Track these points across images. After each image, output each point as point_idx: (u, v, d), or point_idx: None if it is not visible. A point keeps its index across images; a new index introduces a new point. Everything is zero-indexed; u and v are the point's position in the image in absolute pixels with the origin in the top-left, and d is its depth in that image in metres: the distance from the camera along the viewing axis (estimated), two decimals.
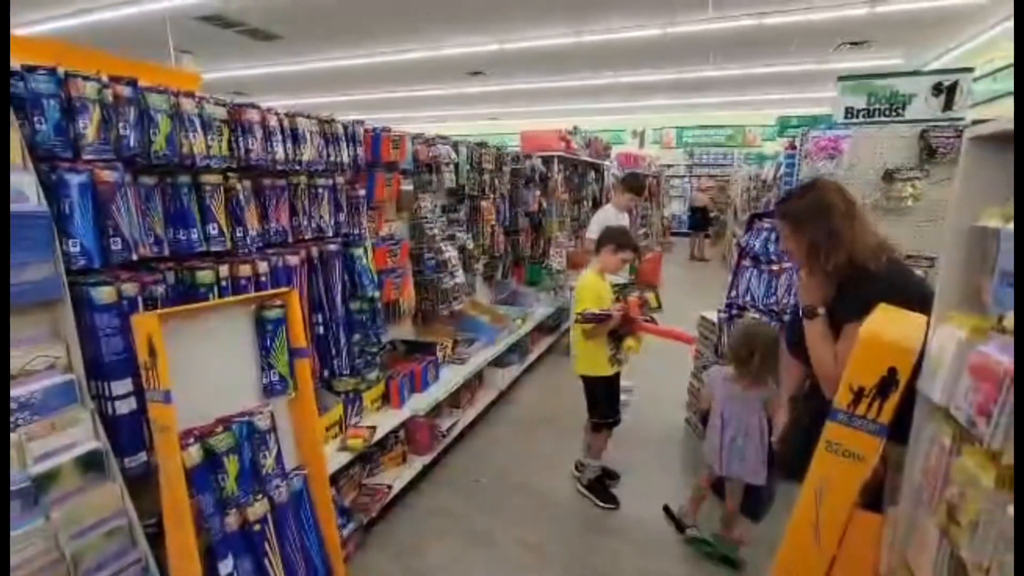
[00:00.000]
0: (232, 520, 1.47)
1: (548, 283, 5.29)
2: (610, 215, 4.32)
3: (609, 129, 14.62)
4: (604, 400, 2.84)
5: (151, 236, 1.74)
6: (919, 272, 2.82)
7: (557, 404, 4.03)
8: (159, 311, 1.37)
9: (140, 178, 1.72)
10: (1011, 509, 0.89)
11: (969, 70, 2.80)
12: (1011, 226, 0.94)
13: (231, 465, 1.47)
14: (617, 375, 2.84)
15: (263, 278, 2.04)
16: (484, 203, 4.12)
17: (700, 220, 11.87)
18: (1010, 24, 6.70)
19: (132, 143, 1.65)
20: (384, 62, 9.12)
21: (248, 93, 11.03)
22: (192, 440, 1.40)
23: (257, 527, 1.54)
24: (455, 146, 3.65)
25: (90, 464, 1.47)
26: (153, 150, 1.70)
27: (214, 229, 1.90)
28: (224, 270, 1.90)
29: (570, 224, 6.09)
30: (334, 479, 2.40)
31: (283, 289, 1.73)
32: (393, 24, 7.49)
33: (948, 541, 1.07)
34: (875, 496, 1.43)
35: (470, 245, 3.88)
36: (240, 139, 1.98)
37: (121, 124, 1.63)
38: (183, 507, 1.33)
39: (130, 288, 1.61)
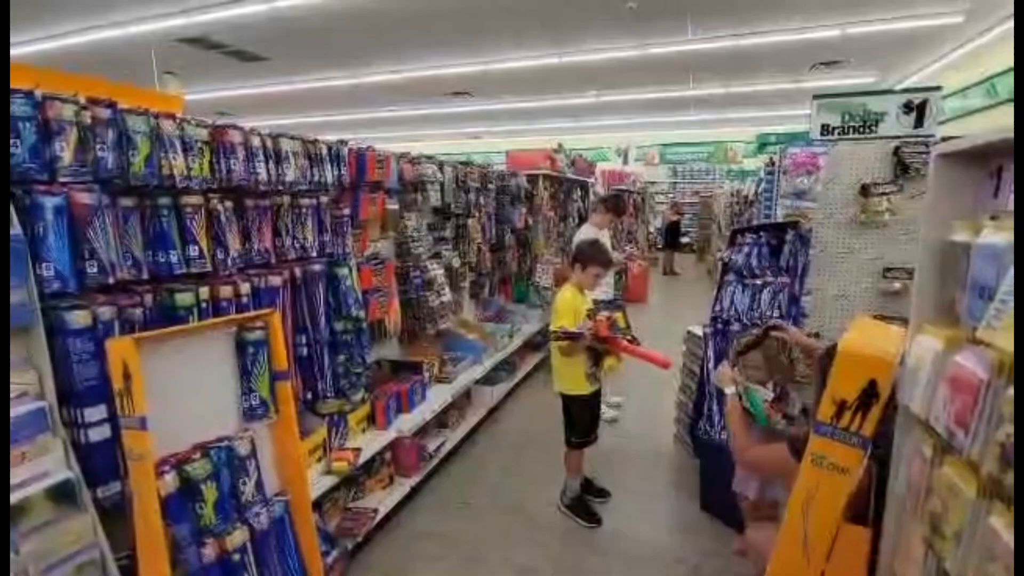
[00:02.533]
0: (210, 551, 1.43)
1: (535, 300, 5.30)
2: (589, 235, 4.29)
3: (593, 147, 14.86)
4: (580, 419, 2.82)
5: (129, 259, 1.72)
6: (898, 285, 2.89)
7: (546, 421, 3.99)
8: (134, 335, 1.34)
9: (119, 200, 1.70)
10: (993, 520, 0.90)
11: (937, 88, 2.89)
12: (981, 240, 0.97)
13: (209, 493, 1.42)
14: (596, 394, 2.83)
15: (245, 299, 2.01)
16: (470, 221, 4.13)
17: (671, 237, 12.33)
18: (982, 41, 6.98)
19: (110, 165, 1.63)
20: (370, 82, 9.21)
21: (234, 113, 11.03)
22: (168, 468, 1.35)
23: (236, 557, 1.49)
24: (440, 165, 3.67)
25: (62, 495, 1.42)
26: (132, 172, 1.68)
27: (195, 250, 1.87)
28: (205, 292, 1.87)
29: (556, 241, 6.13)
30: (318, 504, 2.34)
31: (264, 311, 1.70)
32: (377, 46, 7.59)
33: (934, 553, 1.07)
34: (860, 508, 1.44)
35: (456, 263, 3.88)
36: (222, 160, 1.97)
37: (99, 146, 1.62)
38: (158, 538, 1.28)
39: (106, 312, 1.58)
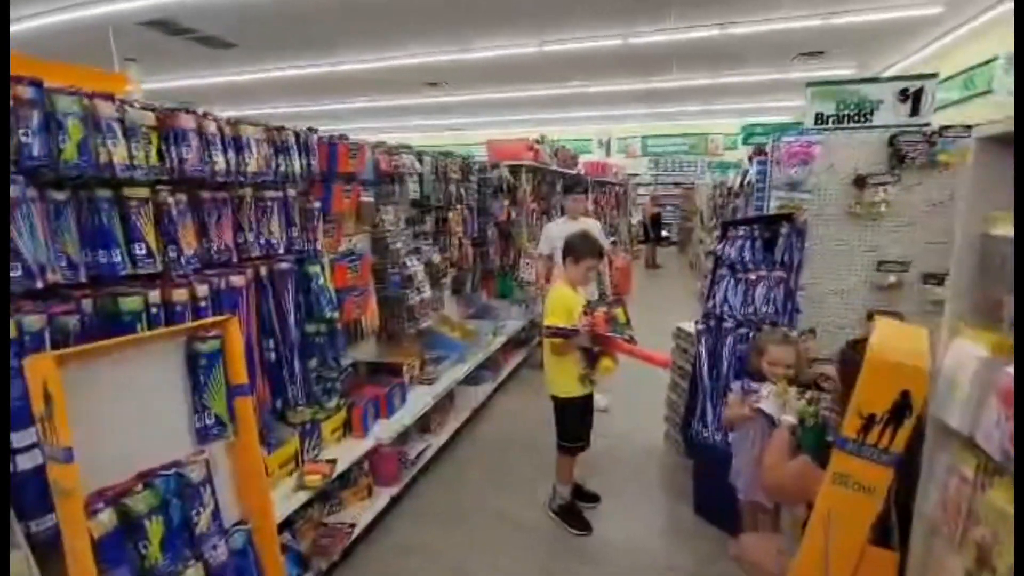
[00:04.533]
0: None
1: (519, 295, 5.15)
2: (559, 227, 3.98)
3: (575, 139, 14.72)
4: (573, 422, 2.68)
5: (63, 259, 1.51)
6: (893, 278, 2.82)
7: (533, 421, 3.87)
8: (56, 352, 1.14)
9: (48, 192, 1.49)
10: None
11: (933, 76, 2.81)
12: None
13: (154, 529, 1.24)
14: (589, 397, 2.69)
15: (203, 303, 1.81)
16: (451, 214, 3.95)
17: (653, 230, 12.46)
18: (961, 32, 7.01)
19: (36, 152, 1.42)
20: (343, 71, 8.88)
21: (201, 103, 10.57)
22: (102, 504, 1.16)
23: None
24: (419, 156, 3.48)
25: None
26: (63, 160, 1.47)
27: (141, 249, 1.67)
28: (155, 295, 1.67)
29: (540, 234, 5.97)
30: (289, 522, 2.17)
31: (218, 318, 1.51)
32: (350, 33, 7.28)
33: None
34: (876, 527, 1.32)
35: (437, 259, 3.70)
36: (172, 148, 1.76)
37: (22, 130, 1.40)
38: None
39: (34, 321, 1.37)
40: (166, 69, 8.71)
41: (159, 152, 1.73)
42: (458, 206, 4.05)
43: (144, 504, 1.22)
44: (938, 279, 2.67)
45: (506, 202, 4.97)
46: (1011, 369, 0.89)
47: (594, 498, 2.90)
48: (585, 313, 2.51)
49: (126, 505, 1.20)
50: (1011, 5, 6.05)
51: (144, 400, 1.34)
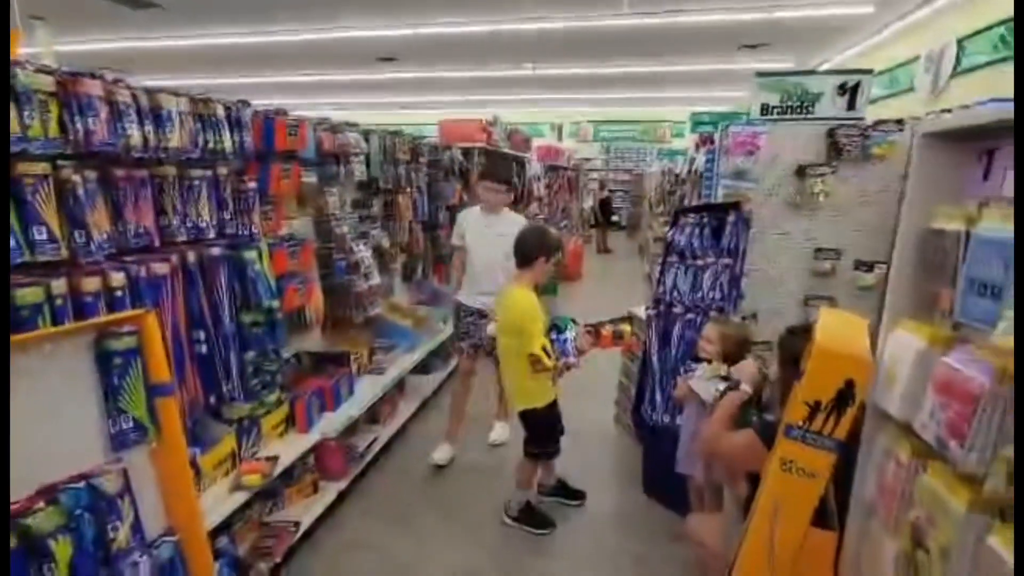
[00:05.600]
0: None
1: None
2: (475, 219, 3.20)
3: (527, 122, 14.60)
4: (546, 429, 2.57)
5: None
6: (828, 265, 2.95)
7: (485, 411, 3.83)
8: None
9: None
10: (992, 540, 0.81)
11: (869, 71, 2.93)
12: (983, 230, 0.87)
13: (60, 549, 1.10)
14: (555, 401, 2.57)
15: (119, 293, 1.64)
16: (400, 197, 3.80)
17: (602, 215, 12.78)
18: (888, 32, 7.41)
19: None
20: (283, 41, 8.34)
21: (123, 70, 9.65)
22: None
23: None
24: (365, 134, 3.30)
25: None
26: None
27: (40, 232, 1.47)
28: (59, 285, 1.49)
29: None
30: (226, 525, 2.03)
31: (132, 312, 1.36)
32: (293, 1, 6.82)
33: (914, 567, 1.00)
34: (819, 509, 1.38)
35: (386, 243, 3.56)
36: (76, 118, 1.55)
37: None
38: None
39: None
40: (81, 30, 7.87)
41: (60, 123, 1.53)
42: (408, 188, 3.90)
43: (48, 522, 1.08)
44: (868, 266, 2.82)
45: (458, 185, 4.85)
46: (951, 360, 0.92)
47: (579, 495, 2.81)
48: (588, 332, 2.46)
49: (24, 525, 1.06)
50: (933, 8, 6.45)
51: (46, 406, 1.19)
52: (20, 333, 1.20)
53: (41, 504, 1.09)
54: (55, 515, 1.10)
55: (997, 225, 0.85)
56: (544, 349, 2.32)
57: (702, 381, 2.21)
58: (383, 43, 8.51)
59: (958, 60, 6.13)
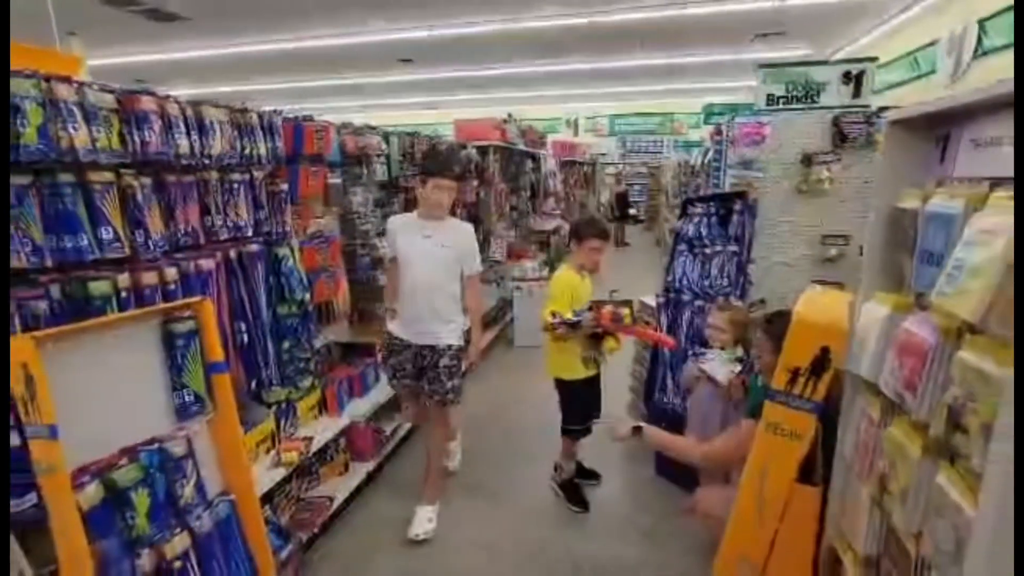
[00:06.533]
0: (146, 561, 1.31)
1: (489, 275, 5.23)
2: (405, 226, 2.55)
3: (543, 118, 14.71)
4: (574, 405, 2.65)
5: (28, 244, 1.50)
6: (835, 251, 3.02)
7: (505, 399, 4.00)
8: (34, 333, 1.17)
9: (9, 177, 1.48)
10: (940, 478, 0.93)
11: (873, 59, 2.98)
12: (930, 207, 0.98)
13: (141, 500, 1.30)
14: (595, 378, 2.64)
15: (172, 286, 1.83)
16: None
17: (620, 209, 12.65)
18: (907, 15, 7.29)
19: None
20: (305, 48, 8.61)
21: (151, 81, 10.07)
22: (88, 478, 1.21)
23: (178, 564, 1.38)
24: (386, 136, 3.48)
25: None
26: (22, 144, 1.46)
27: (108, 233, 1.67)
28: (124, 279, 1.69)
29: (509, 215, 6.05)
30: (268, 497, 2.24)
31: (192, 299, 1.55)
32: (312, 8, 7.06)
33: (880, 510, 1.12)
34: (807, 468, 1.49)
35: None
36: (134, 131, 1.75)
37: None
38: (82, 556, 1.15)
39: None
40: (111, 44, 8.26)
41: (120, 135, 1.73)
42: None
43: (130, 477, 1.28)
44: None
45: (475, 183, 5.01)
46: (907, 324, 1.04)
47: (593, 475, 2.92)
48: (590, 309, 2.44)
49: (112, 479, 1.26)
50: None
51: (122, 380, 1.38)
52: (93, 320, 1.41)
53: (124, 461, 1.29)
54: (135, 471, 1.30)
55: (942, 202, 0.96)
56: (554, 315, 2.41)
57: (719, 365, 2.30)
58: (402, 45, 8.71)
59: (979, 42, 6.03)
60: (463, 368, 2.60)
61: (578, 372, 2.58)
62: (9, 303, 1.31)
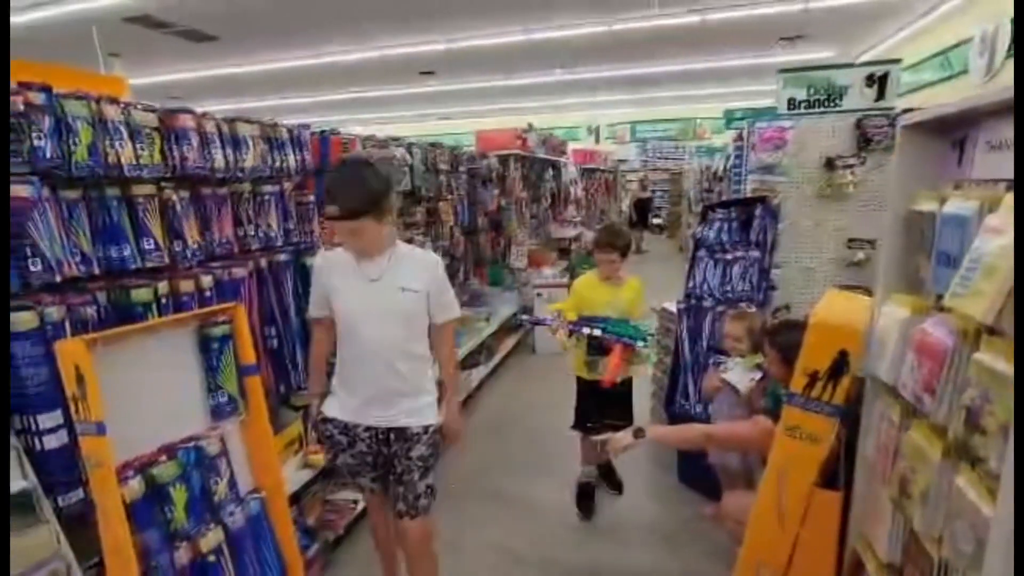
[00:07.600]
0: (183, 554, 1.38)
1: (511, 283, 5.28)
2: (344, 269, 1.85)
3: (564, 126, 14.77)
4: (576, 402, 2.81)
5: (77, 254, 1.61)
6: (861, 255, 2.97)
7: (526, 404, 4.03)
8: (85, 336, 1.26)
9: (61, 192, 1.59)
10: (959, 480, 0.93)
11: (897, 61, 2.94)
12: (946, 209, 0.99)
13: (178, 495, 1.37)
14: (593, 384, 2.65)
15: (208, 293, 1.93)
16: (441, 204, 4.05)
17: (638, 216, 12.65)
18: (933, 17, 7.14)
19: (48, 154, 1.52)
20: (329, 63, 8.87)
21: (184, 97, 10.50)
22: (132, 472, 1.29)
23: (212, 558, 1.45)
24: (408, 148, 3.57)
25: (19, 506, 1.35)
26: (74, 161, 1.57)
27: (149, 243, 1.78)
28: (163, 287, 1.79)
29: (530, 222, 6.09)
30: (296, 498, 2.30)
31: (228, 305, 1.63)
32: (335, 24, 7.29)
33: (902, 513, 1.11)
34: (829, 473, 1.48)
35: (429, 248, 3.81)
36: (174, 147, 1.86)
37: (35, 134, 1.50)
38: (125, 546, 1.23)
39: (55, 312, 1.48)
40: (149, 64, 8.66)
41: (161, 151, 1.83)
42: (448, 196, 4.16)
43: (169, 473, 1.35)
44: None
45: (496, 191, 5.07)
46: (925, 326, 1.04)
47: (616, 485, 2.93)
48: (601, 345, 2.52)
49: (152, 474, 1.33)
50: None
51: (162, 381, 1.47)
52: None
53: (163, 458, 1.36)
54: (173, 467, 1.37)
55: (958, 204, 0.96)
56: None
57: (739, 373, 2.29)
58: (423, 58, 8.90)
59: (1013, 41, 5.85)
60: (439, 454, 1.86)
61: (580, 371, 2.75)
62: (9, 303, 1.36)
